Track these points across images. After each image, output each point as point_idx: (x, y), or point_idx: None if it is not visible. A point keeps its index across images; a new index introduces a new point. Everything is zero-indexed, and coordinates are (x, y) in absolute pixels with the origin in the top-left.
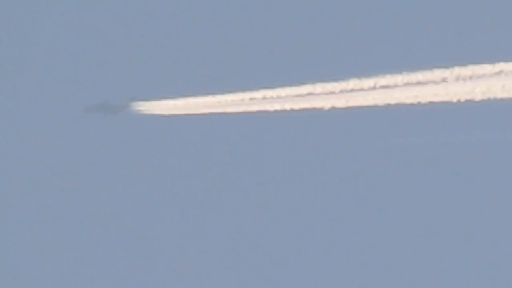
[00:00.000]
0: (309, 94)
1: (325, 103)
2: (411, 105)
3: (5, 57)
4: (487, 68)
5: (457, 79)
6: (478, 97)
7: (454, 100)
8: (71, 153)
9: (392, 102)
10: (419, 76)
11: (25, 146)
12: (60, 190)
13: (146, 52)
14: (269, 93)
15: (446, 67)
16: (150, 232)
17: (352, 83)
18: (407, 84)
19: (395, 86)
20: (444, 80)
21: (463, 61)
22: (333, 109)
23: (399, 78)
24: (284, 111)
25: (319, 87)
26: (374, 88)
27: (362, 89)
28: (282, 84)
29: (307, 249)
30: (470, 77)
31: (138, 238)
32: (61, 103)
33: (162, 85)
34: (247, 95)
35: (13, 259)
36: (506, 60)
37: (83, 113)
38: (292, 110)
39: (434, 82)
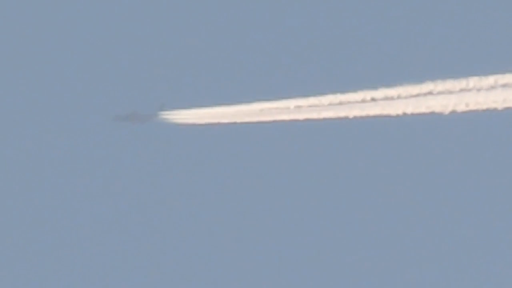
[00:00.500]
0: (339, 103)
1: (350, 112)
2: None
3: (36, 66)
4: None
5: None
6: None
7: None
8: (100, 161)
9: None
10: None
11: (55, 155)
12: (90, 198)
13: (175, 62)
14: (295, 102)
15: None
16: (176, 238)
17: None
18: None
19: (423, 94)
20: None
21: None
22: (356, 118)
23: (430, 86)
24: (310, 120)
25: (344, 97)
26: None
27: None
28: (309, 94)
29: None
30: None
31: (165, 246)
32: (91, 113)
33: (190, 94)
34: (274, 105)
35: (42, 259)
36: None
37: (112, 122)
38: (318, 119)
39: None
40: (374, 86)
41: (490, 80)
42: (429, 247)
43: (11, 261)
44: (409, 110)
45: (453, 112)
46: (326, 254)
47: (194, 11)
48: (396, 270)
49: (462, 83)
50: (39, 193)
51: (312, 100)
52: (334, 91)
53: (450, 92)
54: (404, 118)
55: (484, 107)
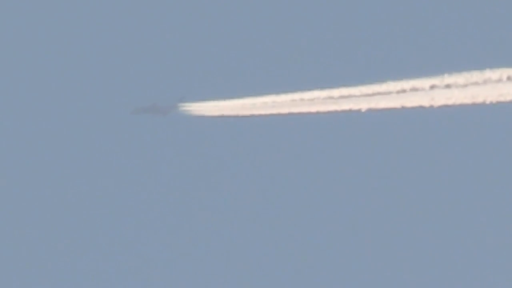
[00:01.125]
0: (350, 96)
1: (363, 105)
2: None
3: (56, 60)
4: None
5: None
6: None
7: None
8: (120, 153)
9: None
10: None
11: (75, 148)
12: (110, 189)
13: (195, 54)
14: (313, 94)
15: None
16: (193, 229)
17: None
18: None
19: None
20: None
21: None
22: (370, 110)
23: (444, 79)
24: (327, 112)
25: (357, 90)
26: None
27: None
28: (326, 86)
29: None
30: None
31: (188, 236)
32: (111, 105)
33: (209, 86)
34: (293, 97)
35: (65, 253)
36: None
37: (132, 114)
38: (336, 111)
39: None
40: (383, 79)
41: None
42: (448, 248)
43: (33, 255)
44: (426, 103)
45: (463, 105)
46: (340, 249)
47: (214, 4)
48: (397, 270)
49: (476, 76)
50: (60, 185)
51: (329, 92)
52: (348, 83)
53: (461, 85)
54: (415, 111)
55: (498, 99)
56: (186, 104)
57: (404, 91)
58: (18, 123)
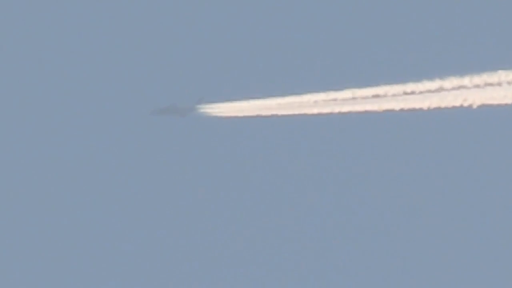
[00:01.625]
0: (373, 96)
1: (389, 105)
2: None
3: (76, 61)
4: None
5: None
6: None
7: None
8: (139, 154)
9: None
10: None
11: (94, 149)
12: (129, 190)
13: (213, 55)
14: (331, 95)
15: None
16: (215, 229)
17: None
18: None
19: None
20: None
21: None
22: (389, 111)
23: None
24: (345, 113)
25: (381, 89)
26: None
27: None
28: (345, 86)
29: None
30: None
31: (207, 237)
32: (130, 106)
33: (228, 87)
34: (310, 98)
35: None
36: None
37: (151, 115)
38: (352, 112)
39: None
40: (402, 80)
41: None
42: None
43: (56, 252)
44: (444, 104)
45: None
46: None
47: (232, 6)
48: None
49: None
50: (80, 186)
51: (346, 93)
52: (369, 84)
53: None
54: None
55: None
56: (205, 105)
57: (433, 90)
58: (38, 124)
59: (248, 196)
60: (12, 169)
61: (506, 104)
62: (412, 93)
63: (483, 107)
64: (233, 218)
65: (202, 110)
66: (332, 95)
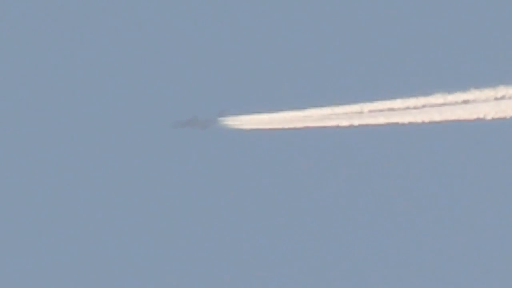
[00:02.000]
0: (389, 109)
1: (406, 118)
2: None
3: (96, 72)
4: None
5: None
6: None
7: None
8: (161, 167)
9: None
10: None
11: (116, 161)
12: (149, 203)
13: (235, 67)
14: (353, 108)
15: None
16: (234, 240)
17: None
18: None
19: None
20: None
21: None
22: (411, 123)
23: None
24: (366, 126)
25: (400, 102)
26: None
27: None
28: (364, 99)
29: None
30: None
31: (227, 245)
32: (151, 119)
33: (249, 100)
34: (333, 110)
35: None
36: None
37: (172, 128)
38: (374, 125)
39: None
40: (431, 91)
41: None
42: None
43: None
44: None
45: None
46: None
47: (252, 20)
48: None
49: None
50: (101, 198)
51: (368, 106)
52: (389, 97)
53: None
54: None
55: None
56: (226, 117)
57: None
58: (60, 137)
59: (270, 208)
60: (39, 179)
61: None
62: (428, 105)
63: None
64: (255, 229)
65: (223, 123)
66: (353, 108)
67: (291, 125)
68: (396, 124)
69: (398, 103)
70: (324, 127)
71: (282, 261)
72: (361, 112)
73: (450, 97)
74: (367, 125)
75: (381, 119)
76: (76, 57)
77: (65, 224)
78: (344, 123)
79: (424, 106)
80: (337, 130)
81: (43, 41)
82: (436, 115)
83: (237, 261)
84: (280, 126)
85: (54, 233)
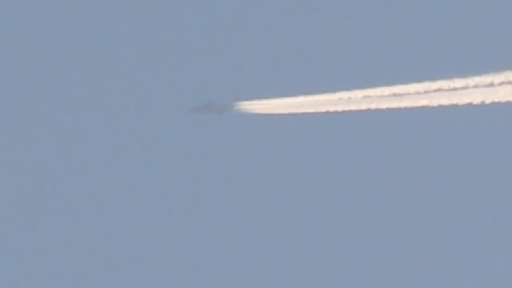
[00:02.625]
0: (403, 94)
1: (418, 102)
2: None
3: (114, 59)
4: None
5: None
6: None
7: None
8: (177, 152)
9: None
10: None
11: (132, 146)
12: (166, 188)
13: (250, 52)
14: (367, 92)
15: None
16: (251, 224)
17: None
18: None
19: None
20: None
21: None
22: (425, 107)
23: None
24: (381, 110)
25: (412, 87)
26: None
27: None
28: (379, 84)
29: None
30: None
31: (243, 230)
32: (168, 104)
33: (265, 84)
34: (347, 94)
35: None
36: None
37: (188, 113)
38: (388, 109)
39: None
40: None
41: None
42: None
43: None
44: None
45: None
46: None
47: (267, 4)
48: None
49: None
50: (119, 183)
51: (381, 90)
52: (398, 82)
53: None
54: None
55: None
56: (242, 102)
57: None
58: (76, 122)
59: (284, 192)
60: (52, 164)
61: None
62: (442, 89)
63: None
64: (269, 211)
65: (238, 108)
66: (366, 92)
67: (307, 110)
68: (407, 108)
69: (408, 87)
70: (339, 112)
71: (295, 243)
72: (373, 96)
73: (464, 81)
74: (379, 110)
75: (394, 103)
76: (94, 44)
77: (84, 207)
78: (358, 107)
79: (437, 90)
80: (352, 114)
81: (62, 26)
82: (445, 99)
83: (252, 244)
84: (295, 111)
85: (76, 213)
